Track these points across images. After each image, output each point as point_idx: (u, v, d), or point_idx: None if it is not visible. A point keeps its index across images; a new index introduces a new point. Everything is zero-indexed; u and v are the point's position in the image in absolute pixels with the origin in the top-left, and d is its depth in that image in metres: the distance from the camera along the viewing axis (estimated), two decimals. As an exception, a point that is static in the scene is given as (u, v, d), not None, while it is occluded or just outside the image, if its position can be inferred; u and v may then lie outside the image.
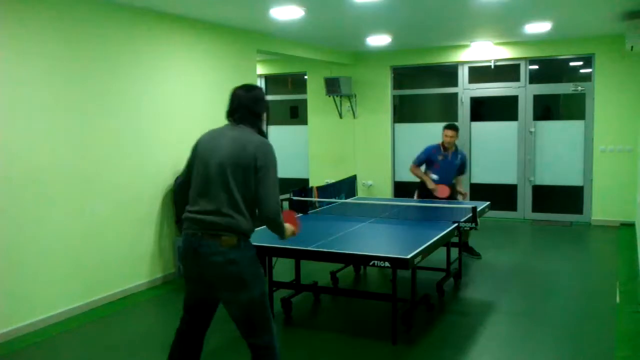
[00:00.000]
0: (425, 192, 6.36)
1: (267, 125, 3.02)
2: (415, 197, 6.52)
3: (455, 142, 6.41)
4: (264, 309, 2.86)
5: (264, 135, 2.94)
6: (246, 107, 2.92)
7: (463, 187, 6.62)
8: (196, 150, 2.95)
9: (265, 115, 3.00)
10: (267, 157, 2.79)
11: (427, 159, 6.42)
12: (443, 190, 6.20)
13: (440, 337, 4.26)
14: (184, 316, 3.03)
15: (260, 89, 3.09)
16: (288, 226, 2.99)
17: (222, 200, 2.77)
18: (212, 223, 2.77)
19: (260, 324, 2.85)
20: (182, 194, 3.06)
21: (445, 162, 6.34)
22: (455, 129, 6.34)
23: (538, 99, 8.73)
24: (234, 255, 2.76)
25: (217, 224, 2.77)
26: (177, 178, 3.21)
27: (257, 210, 2.86)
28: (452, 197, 6.29)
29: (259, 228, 3.02)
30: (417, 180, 6.50)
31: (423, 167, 6.50)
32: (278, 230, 2.91)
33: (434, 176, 6.33)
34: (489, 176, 7.40)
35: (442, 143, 6.35)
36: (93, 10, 4.95)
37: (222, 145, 2.83)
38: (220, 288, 2.84)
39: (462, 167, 6.50)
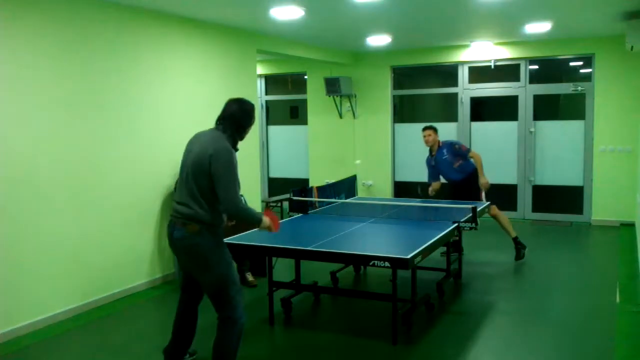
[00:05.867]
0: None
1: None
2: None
3: (437, 139, 6.33)
4: (225, 288, 3.31)
5: (235, 144, 3.38)
6: (233, 117, 3.38)
7: (484, 175, 6.32)
8: (185, 150, 3.47)
9: (249, 128, 3.48)
10: (219, 162, 3.19)
11: (431, 169, 6.46)
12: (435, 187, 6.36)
13: (440, 337, 4.26)
14: (181, 295, 3.61)
15: (252, 105, 3.52)
16: (266, 219, 3.45)
17: (187, 195, 3.30)
18: (181, 213, 3.31)
19: (222, 299, 3.32)
20: None
21: (438, 163, 6.36)
22: (427, 128, 6.33)
23: (538, 99, 8.73)
24: (197, 240, 3.27)
25: (184, 214, 3.29)
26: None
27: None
28: (473, 189, 6.25)
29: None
30: (415, 180, 6.48)
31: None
32: (246, 220, 3.44)
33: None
34: (489, 176, 7.34)
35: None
36: (92, 10, 4.95)
37: (195, 148, 3.33)
38: (189, 267, 3.43)
39: (457, 155, 6.27)
